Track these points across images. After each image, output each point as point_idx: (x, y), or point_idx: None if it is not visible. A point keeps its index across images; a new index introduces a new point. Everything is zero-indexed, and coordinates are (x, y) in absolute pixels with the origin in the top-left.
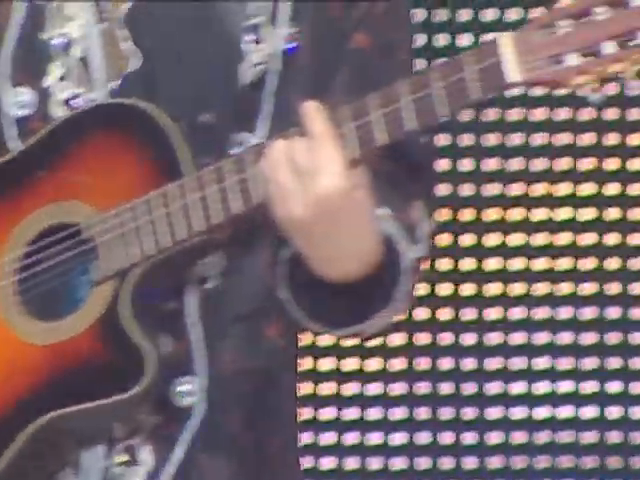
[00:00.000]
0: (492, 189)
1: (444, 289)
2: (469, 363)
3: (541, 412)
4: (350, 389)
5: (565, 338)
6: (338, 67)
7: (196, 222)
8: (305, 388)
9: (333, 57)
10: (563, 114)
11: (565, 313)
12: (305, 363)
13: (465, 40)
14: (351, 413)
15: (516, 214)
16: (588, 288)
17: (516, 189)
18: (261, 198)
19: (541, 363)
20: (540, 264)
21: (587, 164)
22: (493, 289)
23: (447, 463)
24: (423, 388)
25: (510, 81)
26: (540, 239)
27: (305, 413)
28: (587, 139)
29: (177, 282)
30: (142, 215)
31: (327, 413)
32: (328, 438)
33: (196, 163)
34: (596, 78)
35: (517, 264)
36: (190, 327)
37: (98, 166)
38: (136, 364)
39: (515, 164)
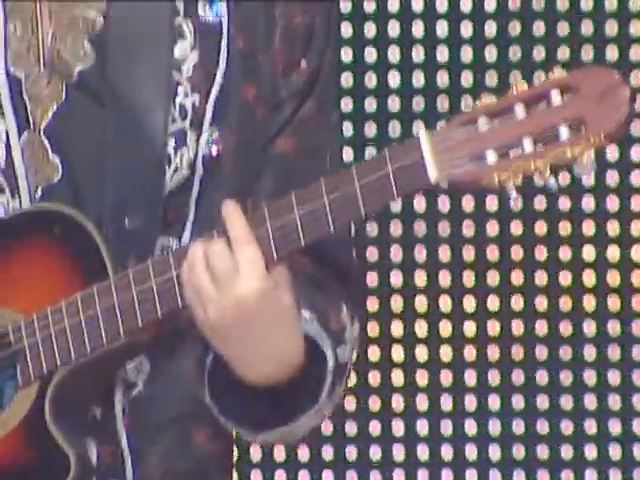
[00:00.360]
0: (421, 302)
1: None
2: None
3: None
4: None
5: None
6: (262, 171)
7: (122, 324)
8: None
9: (257, 161)
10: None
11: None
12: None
13: None
14: None
15: (447, 329)
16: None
17: (445, 302)
18: (182, 301)
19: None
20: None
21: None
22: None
23: None
24: None
25: (432, 180)
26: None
27: None
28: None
29: (103, 386)
30: (68, 317)
31: None
32: None
33: (122, 267)
34: (518, 175)
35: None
36: (120, 432)
37: (24, 272)
38: (59, 468)
39: (444, 278)
